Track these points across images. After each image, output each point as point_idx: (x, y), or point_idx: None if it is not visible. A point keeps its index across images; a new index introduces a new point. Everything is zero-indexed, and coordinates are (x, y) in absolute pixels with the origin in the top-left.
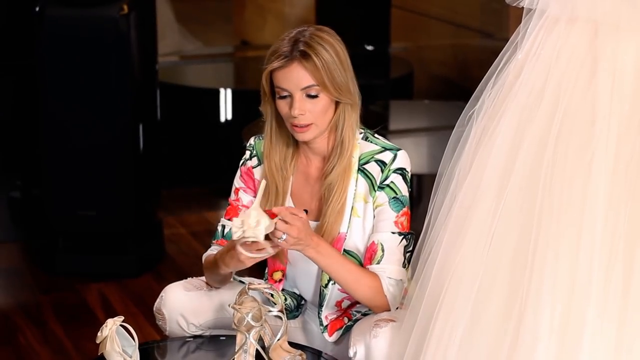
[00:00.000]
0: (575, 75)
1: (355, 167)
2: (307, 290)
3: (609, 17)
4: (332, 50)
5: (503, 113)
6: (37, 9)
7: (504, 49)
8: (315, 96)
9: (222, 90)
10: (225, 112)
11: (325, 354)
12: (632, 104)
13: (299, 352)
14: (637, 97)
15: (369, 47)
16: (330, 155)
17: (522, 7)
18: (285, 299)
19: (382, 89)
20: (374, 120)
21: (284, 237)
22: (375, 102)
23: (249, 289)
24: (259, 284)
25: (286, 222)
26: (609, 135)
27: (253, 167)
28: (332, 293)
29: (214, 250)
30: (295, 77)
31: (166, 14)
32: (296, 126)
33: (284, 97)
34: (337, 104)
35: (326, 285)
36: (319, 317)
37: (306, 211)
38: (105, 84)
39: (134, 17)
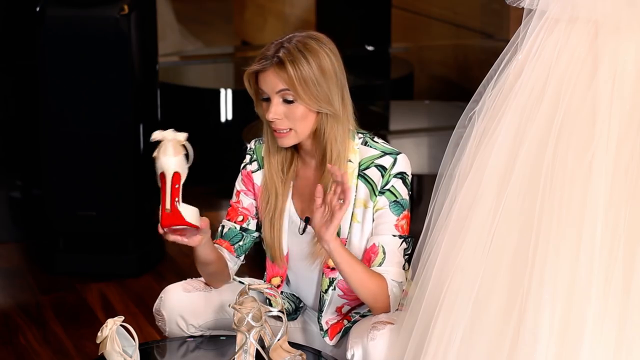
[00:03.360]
0: (576, 76)
1: (355, 172)
2: (308, 296)
3: (609, 18)
4: (314, 61)
5: (503, 114)
6: (38, 9)
7: (505, 49)
8: (292, 102)
9: (222, 91)
10: (226, 112)
11: (325, 353)
12: (632, 104)
13: (299, 352)
14: (638, 98)
15: (369, 48)
16: (319, 161)
17: (523, 8)
18: (284, 303)
19: (382, 89)
20: (374, 121)
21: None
22: (375, 102)
23: (249, 289)
24: (259, 284)
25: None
26: (609, 135)
27: (252, 172)
28: (332, 299)
29: None
30: (270, 81)
31: (166, 14)
32: (275, 131)
33: (265, 99)
34: (318, 112)
35: (326, 291)
36: (319, 323)
37: (307, 220)
38: (105, 84)
39: (134, 17)
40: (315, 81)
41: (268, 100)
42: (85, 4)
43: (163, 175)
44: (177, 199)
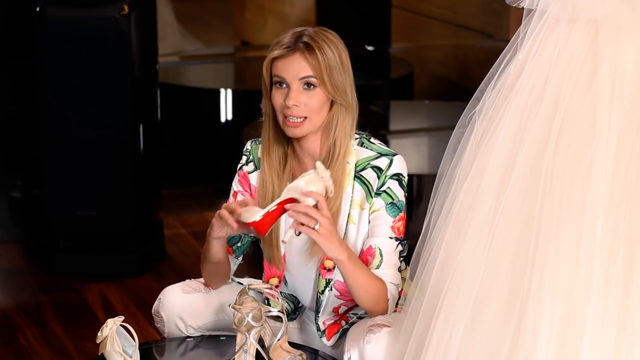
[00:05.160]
0: (576, 76)
1: (351, 173)
2: (305, 297)
3: (609, 18)
4: (335, 50)
5: (503, 114)
6: (38, 9)
7: (505, 49)
8: (313, 87)
9: (222, 91)
10: (226, 112)
11: (324, 353)
12: (632, 104)
13: (299, 352)
14: (638, 97)
15: (369, 47)
16: (323, 160)
17: (523, 8)
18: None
19: (382, 89)
20: (374, 121)
21: (317, 226)
22: (375, 102)
23: (249, 289)
24: (259, 284)
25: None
26: (609, 135)
27: (249, 173)
28: (329, 300)
29: None
30: (296, 67)
31: (166, 14)
32: (289, 120)
33: (281, 86)
34: (331, 104)
35: (322, 292)
36: (316, 323)
37: None
38: (105, 84)
39: (134, 17)
40: (338, 69)
41: (284, 87)
42: (85, 4)
43: (294, 200)
44: (273, 214)
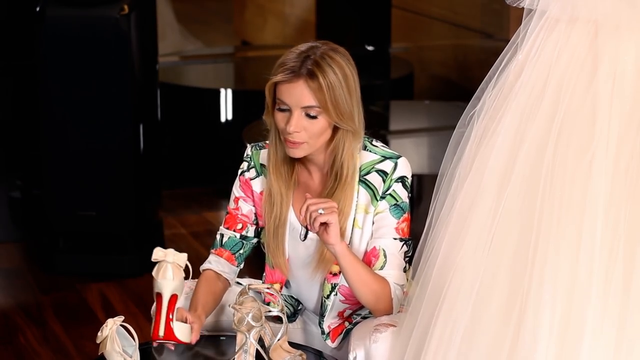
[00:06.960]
0: (576, 76)
1: (356, 178)
2: (309, 300)
3: (609, 18)
4: (341, 74)
5: (504, 114)
6: (38, 9)
7: (505, 49)
8: (315, 117)
9: (222, 91)
10: (226, 112)
11: (326, 354)
12: (632, 104)
13: (300, 352)
14: (638, 97)
15: (369, 47)
16: (329, 176)
17: (523, 8)
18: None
19: (383, 89)
20: (374, 121)
21: (322, 210)
22: (375, 102)
23: (249, 289)
24: (259, 284)
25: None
26: (609, 135)
27: (251, 179)
28: (334, 304)
29: (211, 261)
30: (298, 95)
31: (167, 14)
32: (289, 141)
33: (283, 110)
34: (336, 128)
35: (328, 297)
36: (321, 327)
37: (307, 230)
38: (105, 84)
39: (134, 17)
40: (343, 97)
41: (286, 111)
42: (85, 4)
43: (160, 295)
44: (171, 317)
